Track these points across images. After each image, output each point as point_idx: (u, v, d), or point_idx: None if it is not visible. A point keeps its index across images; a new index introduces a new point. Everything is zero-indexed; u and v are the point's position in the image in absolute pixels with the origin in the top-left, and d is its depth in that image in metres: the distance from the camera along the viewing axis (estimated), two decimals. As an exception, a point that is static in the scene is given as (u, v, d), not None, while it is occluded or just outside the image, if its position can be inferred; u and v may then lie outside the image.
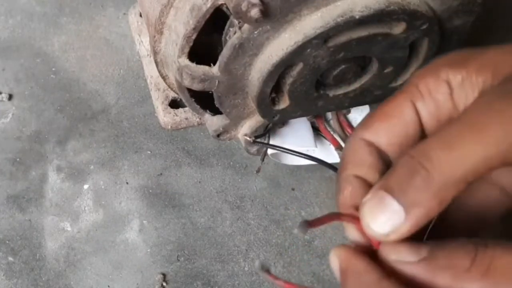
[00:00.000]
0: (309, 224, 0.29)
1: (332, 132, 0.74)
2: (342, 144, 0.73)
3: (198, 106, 0.62)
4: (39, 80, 0.98)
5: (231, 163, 0.92)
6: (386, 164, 0.31)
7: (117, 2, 1.05)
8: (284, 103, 0.59)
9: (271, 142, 0.70)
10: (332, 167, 0.71)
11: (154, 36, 0.58)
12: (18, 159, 0.92)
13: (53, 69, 0.99)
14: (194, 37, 0.53)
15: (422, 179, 0.27)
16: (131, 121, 0.95)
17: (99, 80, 0.99)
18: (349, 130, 0.72)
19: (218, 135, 0.65)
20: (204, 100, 0.61)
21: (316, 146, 0.74)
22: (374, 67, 0.57)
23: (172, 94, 0.72)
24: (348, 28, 0.50)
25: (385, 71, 0.58)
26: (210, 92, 0.57)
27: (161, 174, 0.91)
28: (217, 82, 0.55)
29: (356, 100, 0.62)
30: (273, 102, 0.58)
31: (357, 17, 0.49)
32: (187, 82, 0.54)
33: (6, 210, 0.88)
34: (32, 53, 1.01)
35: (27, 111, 0.96)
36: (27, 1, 1.06)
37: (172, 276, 0.84)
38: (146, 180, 0.90)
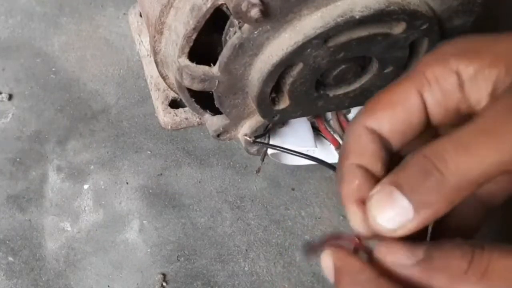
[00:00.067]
0: (311, 249, 0.29)
1: (332, 132, 0.74)
2: (342, 144, 0.73)
3: (198, 106, 0.62)
4: (39, 80, 0.98)
5: (231, 163, 0.92)
6: (388, 152, 0.31)
7: (117, 2, 1.05)
8: (284, 103, 0.59)
9: (271, 142, 0.70)
10: (332, 167, 0.71)
11: (154, 36, 0.58)
12: (18, 159, 0.92)
13: (53, 69, 0.99)
14: (194, 37, 0.53)
15: (435, 180, 0.26)
16: (131, 121, 0.95)
17: (99, 80, 0.99)
18: (349, 130, 0.72)
19: (218, 135, 0.65)
20: (204, 100, 0.60)
21: (316, 146, 0.74)
22: (374, 67, 0.57)
23: (172, 94, 0.71)
24: (348, 28, 0.50)
25: (385, 71, 0.58)
26: (210, 92, 0.57)
27: (161, 174, 0.91)
28: (217, 82, 0.55)
29: (356, 100, 0.62)
30: (273, 102, 0.58)
31: (357, 17, 0.49)
32: (187, 82, 0.54)
33: (6, 210, 0.88)
34: (32, 53, 1.01)
35: (27, 111, 0.96)
36: (27, 1, 1.06)
37: (172, 276, 0.84)
38: (146, 180, 0.90)
